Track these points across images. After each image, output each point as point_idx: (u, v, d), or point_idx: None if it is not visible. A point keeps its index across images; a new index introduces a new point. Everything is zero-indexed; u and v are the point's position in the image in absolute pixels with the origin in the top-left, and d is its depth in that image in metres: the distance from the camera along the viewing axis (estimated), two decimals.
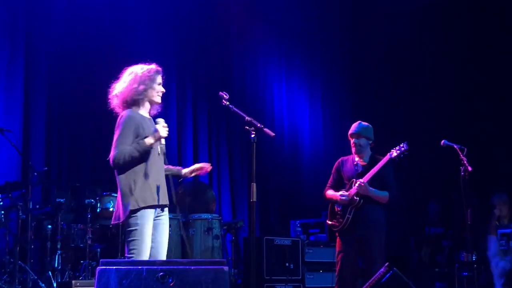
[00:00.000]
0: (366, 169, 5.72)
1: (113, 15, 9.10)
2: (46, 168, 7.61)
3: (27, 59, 8.46)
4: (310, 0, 11.13)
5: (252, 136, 4.32)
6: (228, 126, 10.33)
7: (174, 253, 6.95)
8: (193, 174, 4.67)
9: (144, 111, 4.48)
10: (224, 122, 10.29)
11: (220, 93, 4.52)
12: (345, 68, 11.50)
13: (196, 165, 4.69)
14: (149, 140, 4.24)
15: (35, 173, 7.08)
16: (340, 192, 5.68)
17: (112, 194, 7.54)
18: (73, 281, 5.52)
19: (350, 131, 5.93)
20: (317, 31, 11.44)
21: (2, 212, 6.90)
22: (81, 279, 6.82)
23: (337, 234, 5.81)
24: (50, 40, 8.68)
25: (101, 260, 3.45)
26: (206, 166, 4.67)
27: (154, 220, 4.32)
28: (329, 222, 5.86)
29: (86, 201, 7.38)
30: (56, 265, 7.04)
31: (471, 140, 6.77)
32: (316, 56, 11.51)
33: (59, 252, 7.11)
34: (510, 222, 7.89)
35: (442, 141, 5.98)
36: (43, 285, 6.69)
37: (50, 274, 6.89)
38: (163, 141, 4.39)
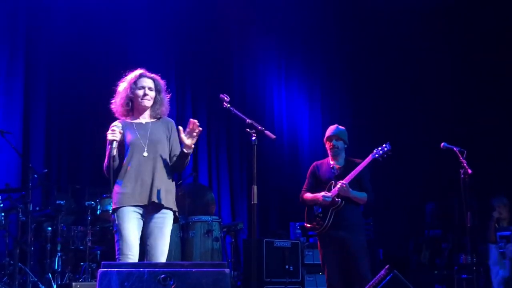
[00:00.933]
0: (342, 171, 5.72)
1: (113, 18, 9.11)
2: (46, 170, 7.62)
3: (27, 61, 8.47)
4: (309, 3, 11.14)
5: (253, 138, 4.33)
6: (228, 128, 10.33)
7: (174, 255, 6.96)
8: (189, 139, 4.41)
9: (141, 117, 4.49)
10: (224, 125, 10.30)
11: (221, 95, 4.53)
12: (345, 70, 11.51)
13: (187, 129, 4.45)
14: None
15: (35, 175, 7.08)
16: (322, 193, 5.63)
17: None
18: (73, 283, 5.53)
19: (328, 134, 5.95)
20: (317, 34, 11.44)
21: (2, 214, 6.91)
22: (81, 281, 6.82)
23: (318, 237, 5.76)
24: (50, 43, 8.70)
25: (102, 262, 3.46)
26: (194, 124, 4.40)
27: (149, 222, 4.29)
28: (308, 225, 5.78)
29: (86, 203, 7.40)
30: (56, 267, 7.05)
31: (470, 142, 6.79)
32: (316, 59, 11.52)
33: (59, 254, 7.11)
34: (510, 225, 7.90)
35: (442, 144, 6.00)
36: (43, 287, 6.70)
37: (50, 276, 6.90)
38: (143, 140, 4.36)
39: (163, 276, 3.34)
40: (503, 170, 9.64)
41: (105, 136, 4.33)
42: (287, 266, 7.31)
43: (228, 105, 4.51)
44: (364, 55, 11.31)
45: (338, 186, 5.53)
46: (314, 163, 6.06)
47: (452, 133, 9.37)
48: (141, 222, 4.31)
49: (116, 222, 4.26)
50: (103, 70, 8.99)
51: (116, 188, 4.31)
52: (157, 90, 4.51)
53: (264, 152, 10.05)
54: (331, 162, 5.87)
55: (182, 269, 3.41)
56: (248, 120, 4.38)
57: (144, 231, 4.31)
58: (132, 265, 3.49)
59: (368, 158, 5.71)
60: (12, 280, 6.65)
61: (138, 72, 4.53)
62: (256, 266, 6.83)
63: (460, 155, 5.84)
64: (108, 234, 7.60)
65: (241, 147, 10.32)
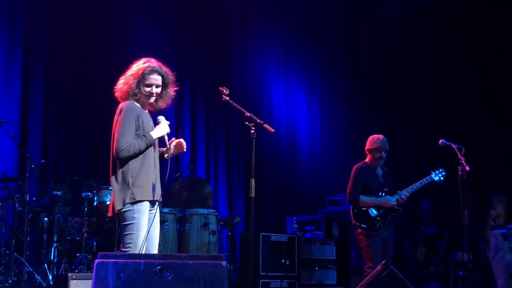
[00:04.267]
0: (384, 180, 6.48)
1: (114, 9, 9.09)
2: (43, 161, 7.61)
3: (26, 51, 8.44)
4: None
5: (252, 132, 4.32)
6: (226, 122, 10.32)
7: (171, 247, 6.96)
8: (172, 150, 4.53)
9: (142, 105, 4.47)
10: (222, 118, 10.28)
11: (220, 88, 4.52)
12: (344, 66, 11.50)
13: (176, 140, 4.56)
14: (156, 134, 4.34)
15: (33, 166, 7.08)
16: (389, 201, 6.29)
17: (109, 188, 7.49)
18: (69, 274, 5.50)
19: (382, 145, 6.45)
20: (316, 29, 11.42)
21: None
22: (77, 272, 6.81)
23: (363, 236, 6.25)
24: (49, 33, 8.67)
25: (99, 253, 3.45)
26: (183, 143, 4.55)
27: (155, 216, 4.33)
28: (363, 225, 6.28)
29: (83, 194, 7.38)
30: (52, 257, 7.04)
31: (468, 139, 6.79)
32: (315, 54, 11.50)
33: (55, 244, 7.10)
34: (506, 223, 7.91)
35: (441, 141, 6.01)
36: (39, 277, 6.70)
37: (46, 266, 6.89)
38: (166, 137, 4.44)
39: (159, 267, 3.34)
40: (501, 167, 9.65)
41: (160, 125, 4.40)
42: (283, 260, 7.31)
43: (227, 98, 4.50)
44: (363, 50, 11.30)
45: (404, 198, 6.29)
46: (357, 167, 6.56)
47: (451, 129, 9.39)
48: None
49: (135, 215, 4.20)
50: (102, 61, 8.98)
51: (137, 180, 4.26)
52: (164, 85, 4.48)
53: (262, 146, 10.05)
54: (376, 170, 6.52)
55: (179, 261, 3.41)
56: (247, 113, 4.37)
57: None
58: (129, 256, 3.48)
59: (426, 179, 6.42)
60: (8, 270, 6.65)
61: (150, 65, 4.44)
62: (252, 260, 6.82)
63: (458, 152, 5.85)
64: (104, 226, 7.60)
65: (239, 141, 10.31)
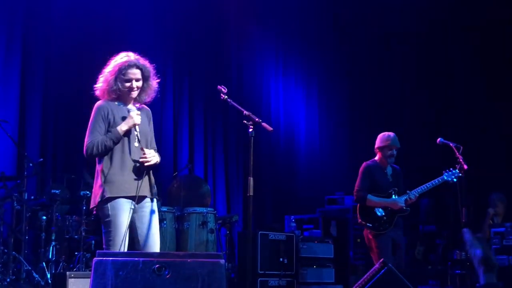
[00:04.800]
0: (394, 179, 6.32)
1: (111, 8, 9.07)
2: (41, 159, 7.60)
3: (24, 50, 8.43)
4: None
5: (250, 130, 4.31)
6: (224, 120, 10.32)
7: (169, 245, 6.97)
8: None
9: (125, 101, 4.39)
10: (220, 117, 10.28)
11: (219, 87, 4.51)
12: (342, 64, 11.50)
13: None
14: (121, 127, 4.23)
15: (31, 164, 7.07)
16: (397, 202, 6.13)
17: None
18: (67, 273, 5.51)
19: (393, 143, 6.29)
20: (314, 27, 11.43)
21: None
22: (75, 271, 6.81)
23: (372, 236, 6.16)
24: (47, 31, 8.66)
25: (97, 251, 3.45)
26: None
27: (137, 212, 4.23)
28: (369, 224, 6.18)
29: (81, 192, 7.37)
30: (50, 256, 7.04)
31: (466, 138, 6.80)
32: (313, 52, 11.50)
33: (53, 243, 7.10)
34: (504, 222, 7.92)
35: (438, 139, 6.02)
36: (37, 276, 6.69)
37: (44, 265, 6.89)
38: (137, 129, 4.28)
39: (158, 265, 3.34)
40: (499, 166, 9.66)
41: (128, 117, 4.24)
42: (281, 259, 7.32)
43: (226, 97, 4.50)
44: (362, 49, 11.31)
45: (412, 199, 6.17)
46: (366, 165, 6.39)
47: (449, 128, 9.40)
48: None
49: (110, 212, 4.17)
50: (101, 59, 8.95)
51: (109, 176, 4.22)
52: (144, 78, 4.38)
53: (260, 145, 10.05)
54: (386, 169, 6.35)
55: (178, 259, 3.41)
56: (245, 112, 4.37)
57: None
58: (127, 254, 3.49)
59: (439, 180, 6.20)
60: (6, 268, 6.64)
61: (126, 59, 4.37)
62: (251, 258, 6.82)
63: (456, 151, 5.86)
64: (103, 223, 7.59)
65: (238, 139, 10.32)
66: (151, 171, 4.30)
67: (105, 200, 4.19)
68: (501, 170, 9.52)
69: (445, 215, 8.66)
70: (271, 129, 4.41)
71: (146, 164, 4.21)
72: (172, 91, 9.74)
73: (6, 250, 6.80)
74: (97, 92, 4.46)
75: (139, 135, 4.30)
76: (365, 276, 4.77)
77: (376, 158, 6.38)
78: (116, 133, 4.22)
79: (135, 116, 4.24)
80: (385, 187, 6.24)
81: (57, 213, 7.34)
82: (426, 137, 6.60)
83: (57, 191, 7.30)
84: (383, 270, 4.61)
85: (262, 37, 11.07)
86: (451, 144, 5.93)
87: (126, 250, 4.11)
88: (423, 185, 6.23)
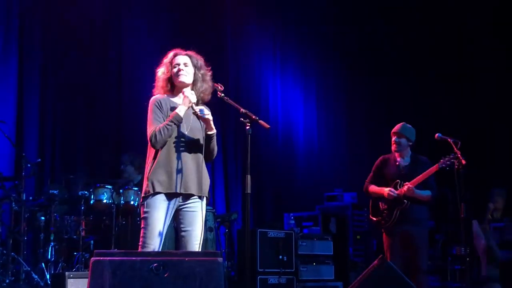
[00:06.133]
0: (408, 170, 6.00)
1: (107, 6, 9.07)
2: (39, 160, 7.58)
3: (21, 50, 8.42)
4: None
5: (247, 128, 4.29)
6: (222, 119, 10.29)
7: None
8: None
9: (175, 97, 4.36)
10: (218, 115, 10.24)
11: (215, 84, 4.49)
12: (340, 61, 11.50)
13: None
14: (179, 108, 4.17)
15: (29, 165, 7.06)
16: (389, 188, 5.91)
17: (106, 186, 7.52)
18: (66, 273, 5.50)
19: (393, 130, 6.12)
20: (312, 25, 11.41)
21: None
22: (74, 271, 6.80)
23: (382, 230, 6.03)
24: (44, 31, 8.64)
25: (95, 251, 3.44)
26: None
27: (180, 209, 4.18)
28: (374, 219, 6.08)
29: (80, 192, 7.37)
30: (49, 256, 7.03)
31: (465, 132, 6.79)
32: (311, 51, 11.50)
33: (52, 243, 7.10)
34: (503, 217, 7.92)
35: (437, 135, 6.00)
36: (36, 276, 6.69)
37: (43, 265, 6.88)
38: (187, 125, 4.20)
39: (155, 265, 3.33)
40: (497, 160, 9.66)
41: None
42: (281, 257, 7.30)
43: (222, 95, 4.47)
44: (360, 46, 11.30)
45: (405, 189, 5.81)
46: (381, 157, 6.24)
47: (447, 123, 9.39)
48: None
49: (146, 209, 4.14)
50: (98, 59, 8.96)
51: (152, 170, 4.16)
52: (195, 66, 4.38)
53: (259, 143, 10.04)
54: (398, 159, 6.10)
55: (175, 258, 3.40)
56: (242, 110, 4.35)
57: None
58: (125, 253, 3.47)
59: (434, 168, 5.89)
60: (5, 269, 6.63)
61: (172, 52, 4.42)
62: (250, 256, 6.82)
63: (454, 146, 5.84)
64: (101, 224, 7.59)
65: (236, 137, 10.30)
66: (201, 167, 4.20)
67: (145, 197, 4.16)
68: (500, 165, 9.52)
69: (444, 211, 8.66)
70: (268, 126, 4.38)
71: (206, 117, 4.18)
72: None
73: (5, 251, 6.79)
74: (154, 92, 4.42)
75: (186, 130, 4.23)
76: (364, 272, 4.76)
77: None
78: (175, 115, 4.16)
79: (190, 94, 4.20)
80: (390, 178, 6.05)
81: (56, 214, 7.33)
82: (424, 133, 6.59)
83: (55, 192, 7.29)
84: (382, 267, 4.60)
85: (260, 34, 11.05)
86: (449, 139, 5.91)
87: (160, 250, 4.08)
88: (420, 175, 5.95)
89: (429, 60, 10.89)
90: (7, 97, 8.17)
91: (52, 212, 7.19)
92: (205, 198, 4.26)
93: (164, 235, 4.15)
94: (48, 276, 6.71)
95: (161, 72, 4.39)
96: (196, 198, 4.20)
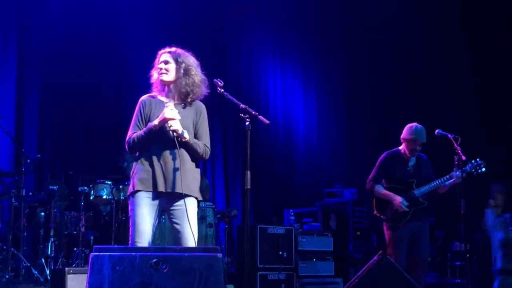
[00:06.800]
0: (415, 169, 6.12)
1: (107, 4, 9.05)
2: (39, 156, 7.59)
3: (20, 46, 8.43)
4: None
5: (247, 123, 4.28)
6: (222, 115, 10.30)
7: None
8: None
9: (171, 97, 4.32)
10: (218, 111, 10.26)
11: (215, 80, 4.48)
12: (340, 57, 11.48)
13: None
14: (154, 122, 4.13)
15: (28, 161, 7.06)
16: (400, 200, 5.95)
17: (106, 182, 7.52)
18: (66, 268, 5.50)
19: (418, 138, 6.08)
20: (312, 21, 11.40)
21: None
22: (74, 267, 6.81)
23: (389, 229, 6.05)
24: (44, 28, 8.65)
25: (94, 246, 3.44)
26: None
27: (168, 207, 4.18)
28: (382, 217, 6.09)
29: (80, 188, 7.37)
30: (49, 252, 7.05)
31: (467, 129, 6.79)
32: (311, 46, 11.48)
33: (52, 239, 7.11)
34: (504, 213, 7.90)
35: (436, 131, 5.99)
36: (36, 272, 6.69)
37: (43, 261, 6.90)
38: (176, 126, 4.12)
39: (155, 260, 3.33)
40: (497, 156, 9.64)
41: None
42: (280, 253, 7.29)
43: (222, 90, 4.46)
44: (359, 41, 11.28)
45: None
46: (385, 155, 6.25)
47: (447, 118, 9.37)
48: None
49: (131, 207, 4.18)
50: (98, 55, 8.95)
51: (136, 170, 4.19)
52: (176, 62, 4.31)
53: (259, 139, 10.04)
54: (409, 160, 6.15)
55: (175, 254, 3.39)
56: (242, 105, 4.34)
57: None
58: (124, 249, 3.47)
59: (452, 181, 6.00)
60: (5, 265, 6.64)
61: (162, 50, 4.39)
62: (250, 252, 6.81)
63: (454, 142, 5.83)
64: (101, 220, 7.59)
65: (236, 133, 10.30)
66: (185, 166, 4.19)
67: (130, 195, 4.20)
68: (500, 161, 9.50)
69: (444, 207, 8.65)
70: (268, 122, 4.37)
71: (171, 129, 4.09)
72: None
73: (4, 247, 6.81)
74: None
75: (168, 128, 4.17)
76: (364, 268, 4.75)
77: (401, 147, 6.21)
78: (149, 127, 4.14)
79: (167, 111, 4.11)
80: (403, 178, 6.08)
81: (56, 209, 7.34)
82: (425, 128, 6.61)
83: (55, 187, 7.30)
84: (381, 263, 4.60)
85: (259, 29, 11.04)
86: (449, 136, 5.90)
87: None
88: (430, 183, 6.05)
89: (429, 55, 10.86)
90: (7, 93, 8.18)
91: (52, 208, 7.20)
92: (191, 197, 4.23)
93: (153, 232, 4.16)
94: (48, 272, 6.72)
95: (153, 69, 4.40)
96: (181, 196, 4.17)
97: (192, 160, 4.29)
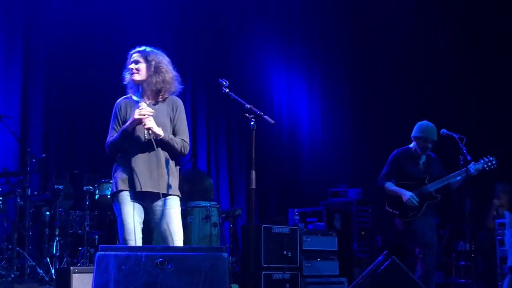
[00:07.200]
0: (427, 166, 6.21)
1: (112, 4, 9.06)
2: (44, 155, 7.59)
3: (26, 45, 8.44)
4: None
5: (252, 123, 4.28)
6: (227, 114, 10.31)
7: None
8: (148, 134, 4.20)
9: (145, 96, 4.34)
10: (223, 111, 10.27)
11: (220, 80, 4.48)
12: (344, 57, 11.47)
13: None
14: (126, 124, 4.17)
15: (34, 160, 7.07)
16: (410, 194, 6.01)
17: (111, 181, 7.51)
18: (71, 268, 5.50)
19: (429, 136, 6.14)
20: (316, 21, 11.40)
21: (0, 198, 6.90)
22: (79, 266, 6.82)
23: (403, 223, 6.13)
24: (49, 26, 8.66)
25: (100, 245, 3.45)
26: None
27: (150, 206, 4.20)
28: (395, 212, 6.14)
29: (85, 188, 7.38)
30: (54, 251, 7.05)
31: (470, 128, 6.77)
32: (315, 46, 11.48)
33: (57, 238, 7.11)
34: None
35: (442, 130, 5.99)
36: (41, 271, 6.71)
37: (48, 260, 6.90)
38: (150, 124, 4.12)
39: (160, 259, 3.34)
40: (501, 156, 9.61)
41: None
42: (285, 252, 7.30)
43: (227, 90, 4.46)
44: (364, 41, 11.27)
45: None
46: (396, 153, 6.31)
47: (452, 118, 9.35)
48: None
49: (116, 206, 4.22)
50: (103, 55, 8.96)
51: (116, 171, 4.26)
52: (147, 61, 4.30)
53: (263, 138, 10.05)
54: (420, 157, 6.22)
55: (180, 253, 3.41)
56: (247, 105, 4.34)
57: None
58: (130, 248, 3.48)
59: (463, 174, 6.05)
60: (10, 264, 6.65)
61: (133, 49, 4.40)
62: (254, 252, 6.82)
63: (460, 142, 5.83)
64: (106, 219, 7.60)
65: (240, 133, 10.31)
66: (163, 166, 4.20)
67: (113, 196, 4.25)
68: (504, 161, 9.47)
69: (449, 206, 8.64)
70: (273, 122, 4.38)
71: (145, 127, 4.10)
72: None
73: (10, 246, 6.82)
74: None
75: (144, 129, 4.18)
76: (369, 268, 4.75)
77: (411, 145, 6.26)
78: (123, 129, 4.18)
79: (137, 111, 4.13)
80: (415, 175, 6.15)
81: (61, 209, 7.35)
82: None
83: (60, 187, 7.30)
84: (387, 262, 4.60)
85: (264, 28, 11.04)
86: (454, 135, 5.90)
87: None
88: (443, 178, 6.13)
89: (435, 51, 10.84)
90: (12, 92, 8.20)
91: (57, 207, 7.21)
92: (172, 196, 4.25)
93: (140, 229, 4.17)
94: (53, 271, 6.73)
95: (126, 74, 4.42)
96: (161, 196, 4.18)
97: (171, 158, 4.29)
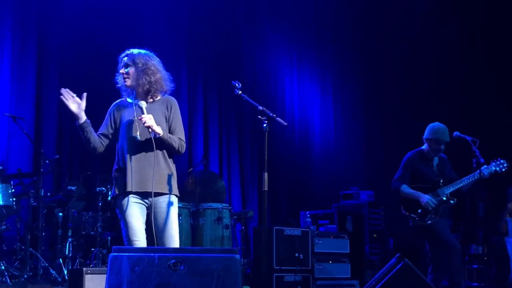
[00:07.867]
0: (440, 169, 6.18)
1: (125, 4, 9.10)
2: (57, 156, 7.64)
3: (39, 47, 8.49)
4: None
5: (264, 125, 4.29)
6: (239, 116, 10.32)
7: (185, 242, 6.98)
8: None
9: (134, 98, 4.37)
10: (235, 113, 10.28)
11: (233, 82, 4.49)
12: (357, 59, 11.45)
13: None
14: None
15: (47, 161, 7.11)
16: (428, 197, 5.97)
17: None
18: (84, 269, 5.53)
19: (441, 137, 6.09)
20: (329, 23, 11.39)
21: (14, 199, 6.91)
22: (92, 267, 6.85)
23: (421, 225, 6.07)
24: (62, 29, 8.71)
25: (113, 246, 3.46)
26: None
27: (150, 206, 4.18)
28: (413, 215, 6.06)
29: (97, 189, 7.42)
30: (67, 252, 7.09)
31: (483, 131, 6.74)
32: (328, 47, 11.47)
33: (70, 239, 7.15)
34: None
35: (454, 133, 5.97)
36: (54, 272, 6.74)
37: (61, 261, 6.94)
38: (150, 122, 4.12)
39: (173, 261, 3.34)
40: None
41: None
42: (297, 254, 7.30)
43: (240, 92, 4.47)
44: (377, 44, 11.24)
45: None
46: (409, 156, 6.26)
47: (465, 121, 9.31)
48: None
49: (118, 209, 4.25)
50: (115, 56, 8.98)
51: (114, 174, 4.30)
52: (135, 63, 4.30)
53: (275, 140, 10.05)
54: (433, 159, 6.19)
55: (193, 254, 3.41)
56: (259, 107, 4.34)
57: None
58: (143, 249, 3.49)
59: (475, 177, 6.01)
60: (23, 265, 6.69)
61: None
62: (266, 254, 6.82)
63: (472, 145, 5.81)
64: (118, 220, 7.62)
65: (252, 135, 10.32)
66: (159, 165, 4.20)
67: (114, 198, 4.27)
68: None
69: (461, 209, 8.60)
70: (286, 124, 4.38)
71: (145, 125, 4.12)
72: (187, 88, 9.77)
73: (23, 247, 6.86)
74: None
75: (139, 129, 4.22)
76: (381, 271, 4.74)
77: (423, 147, 6.22)
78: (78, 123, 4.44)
79: (137, 107, 4.26)
80: (429, 177, 6.11)
81: (74, 210, 7.39)
82: None
83: (73, 188, 7.35)
84: (399, 265, 4.58)
85: (276, 31, 11.05)
86: (467, 138, 5.87)
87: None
88: (457, 181, 6.08)
89: (447, 54, 10.80)
90: (26, 94, 8.25)
91: (70, 208, 7.25)
92: (171, 195, 4.24)
93: (144, 229, 4.19)
94: (65, 272, 6.76)
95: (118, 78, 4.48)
96: (160, 195, 4.19)
97: (169, 157, 4.30)
